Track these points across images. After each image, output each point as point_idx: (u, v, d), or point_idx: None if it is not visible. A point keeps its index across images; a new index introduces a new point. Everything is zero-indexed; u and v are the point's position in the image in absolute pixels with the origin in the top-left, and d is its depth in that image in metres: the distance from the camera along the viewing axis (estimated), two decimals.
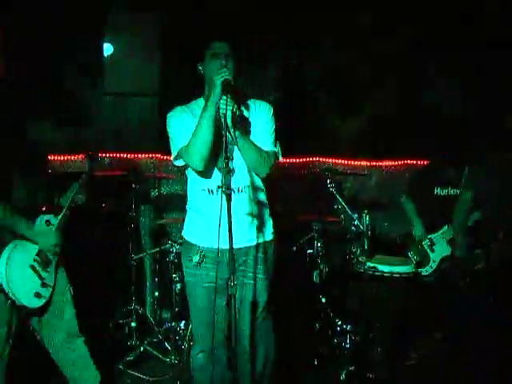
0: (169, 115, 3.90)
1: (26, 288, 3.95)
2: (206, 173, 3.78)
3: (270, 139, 3.87)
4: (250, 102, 3.91)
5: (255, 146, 3.74)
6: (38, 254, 4.05)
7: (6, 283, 3.85)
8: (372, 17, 6.97)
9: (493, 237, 5.09)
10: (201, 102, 3.92)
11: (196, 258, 3.85)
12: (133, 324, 5.75)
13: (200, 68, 3.88)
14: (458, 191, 5.73)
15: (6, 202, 3.91)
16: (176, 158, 3.86)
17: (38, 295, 3.99)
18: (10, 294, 3.86)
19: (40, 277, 4.02)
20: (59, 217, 4.22)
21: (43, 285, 4.04)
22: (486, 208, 5.13)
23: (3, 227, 3.92)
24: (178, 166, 3.92)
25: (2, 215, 3.87)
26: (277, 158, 3.93)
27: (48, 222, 4.17)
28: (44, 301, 4.05)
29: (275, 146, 3.90)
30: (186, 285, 4.02)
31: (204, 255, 3.84)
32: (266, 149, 3.80)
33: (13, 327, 4.03)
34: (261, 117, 3.89)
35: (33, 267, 4.00)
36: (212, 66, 3.72)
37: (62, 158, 6.30)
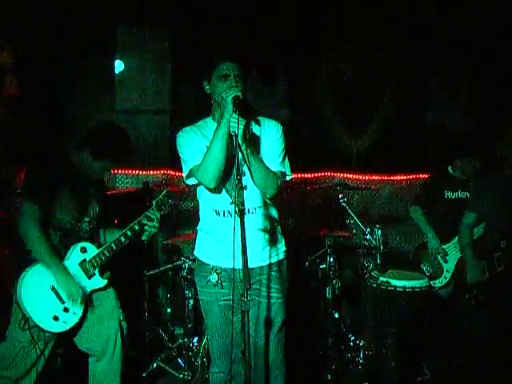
0: (178, 135, 3.91)
1: (43, 310, 3.97)
2: (217, 190, 3.78)
3: (279, 159, 3.85)
4: (260, 120, 3.90)
5: (265, 166, 3.73)
6: None
7: (21, 302, 3.90)
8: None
9: (495, 247, 5.06)
10: (209, 121, 3.93)
11: (214, 278, 3.85)
12: (146, 340, 5.77)
13: (207, 87, 3.86)
14: (468, 194, 5.71)
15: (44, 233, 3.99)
16: (188, 177, 3.86)
17: (56, 318, 4.00)
18: (25, 312, 3.89)
19: (61, 300, 4.04)
20: (101, 249, 4.25)
21: (65, 310, 4.05)
22: (487, 221, 5.11)
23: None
24: (190, 185, 3.93)
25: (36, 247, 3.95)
26: (284, 178, 3.90)
27: (83, 250, 4.20)
28: (67, 327, 4.06)
29: (283, 167, 3.88)
30: (202, 303, 4.02)
31: (220, 273, 3.84)
32: (273, 169, 3.78)
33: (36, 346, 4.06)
34: (270, 136, 3.87)
35: (54, 289, 4.03)
36: (221, 86, 3.71)
37: None
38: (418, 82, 7.21)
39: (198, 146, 3.73)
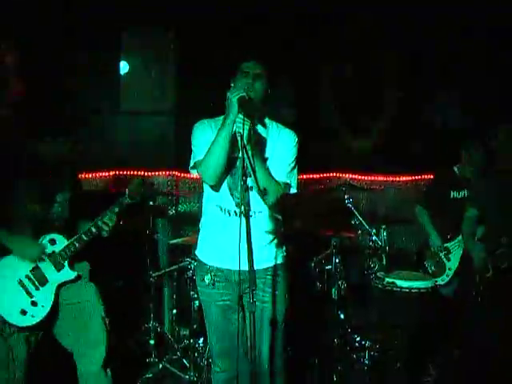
0: (195, 126, 3.90)
1: (9, 304, 3.96)
2: (217, 188, 3.77)
3: (287, 169, 3.81)
4: (274, 127, 3.90)
5: (267, 170, 3.70)
6: (32, 271, 4.07)
7: None
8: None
9: (497, 244, 5.07)
10: None
11: (208, 278, 3.86)
12: (151, 341, 5.77)
13: (232, 85, 3.82)
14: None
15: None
16: (192, 168, 3.87)
17: (23, 312, 3.98)
18: None
19: (29, 294, 4.02)
20: (70, 240, 4.21)
21: (33, 303, 4.02)
22: (488, 218, 5.12)
23: None
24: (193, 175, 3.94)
25: None
26: (288, 190, 3.85)
27: (52, 242, 4.18)
28: (35, 320, 4.02)
29: (290, 178, 3.83)
30: (202, 303, 4.03)
31: (215, 275, 3.84)
32: (278, 178, 3.75)
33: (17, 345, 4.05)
34: (283, 145, 3.83)
35: (22, 283, 4.02)
36: (237, 85, 3.70)
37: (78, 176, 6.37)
38: (420, 80, 7.20)
39: (209, 140, 3.71)
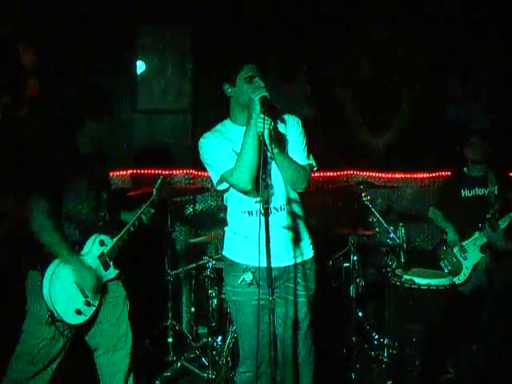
0: (201, 142, 3.91)
1: (67, 304, 3.99)
2: (253, 191, 3.77)
3: (304, 153, 3.89)
4: (282, 117, 3.92)
5: (293, 161, 3.77)
6: None
7: (48, 297, 3.90)
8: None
9: None
10: (228, 123, 3.95)
11: (249, 277, 3.85)
12: (170, 340, 5.79)
13: (229, 90, 3.87)
14: (486, 190, 5.76)
15: (57, 219, 4.00)
16: (219, 183, 3.87)
17: (78, 312, 4.03)
18: (51, 307, 3.90)
19: (84, 294, 4.06)
20: (115, 239, 4.28)
21: (87, 303, 4.07)
22: None
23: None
24: (221, 191, 3.95)
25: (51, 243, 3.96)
26: (312, 170, 3.95)
27: (102, 242, 4.22)
28: (84, 319, 4.08)
29: (309, 159, 3.92)
30: (232, 304, 4.04)
31: (253, 272, 3.84)
32: (301, 163, 3.83)
33: (59, 341, 4.10)
34: (292, 131, 3.89)
35: (78, 284, 4.05)
36: (247, 88, 3.72)
37: None
38: (439, 78, 7.16)
39: (225, 150, 3.73)
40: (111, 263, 4.27)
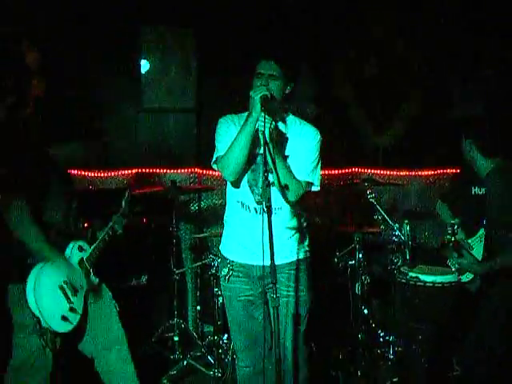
0: (219, 121, 3.94)
1: (53, 310, 3.93)
2: (237, 184, 3.81)
3: (309, 168, 3.81)
4: (297, 124, 3.90)
5: (288, 168, 3.71)
6: (70, 277, 4.06)
7: (35, 307, 3.84)
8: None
9: None
10: (245, 115, 3.93)
11: (224, 271, 3.91)
12: (175, 338, 5.79)
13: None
14: None
15: (38, 225, 3.96)
16: (214, 162, 3.89)
17: (64, 319, 3.97)
18: (37, 314, 3.84)
19: (69, 300, 4.01)
20: (93, 247, 4.26)
21: (71, 309, 4.01)
22: None
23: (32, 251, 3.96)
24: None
25: (32, 239, 3.93)
26: (309, 188, 3.86)
27: (80, 248, 4.21)
28: (71, 326, 4.01)
29: (312, 176, 3.83)
30: (224, 299, 4.08)
31: (232, 269, 3.88)
32: (301, 176, 3.76)
33: (51, 343, 4.05)
34: (305, 142, 3.83)
35: (62, 289, 4.00)
36: (254, 84, 3.72)
37: (101, 174, 6.45)
38: (443, 76, 7.16)
39: (233, 136, 3.72)
40: (91, 270, 4.22)
